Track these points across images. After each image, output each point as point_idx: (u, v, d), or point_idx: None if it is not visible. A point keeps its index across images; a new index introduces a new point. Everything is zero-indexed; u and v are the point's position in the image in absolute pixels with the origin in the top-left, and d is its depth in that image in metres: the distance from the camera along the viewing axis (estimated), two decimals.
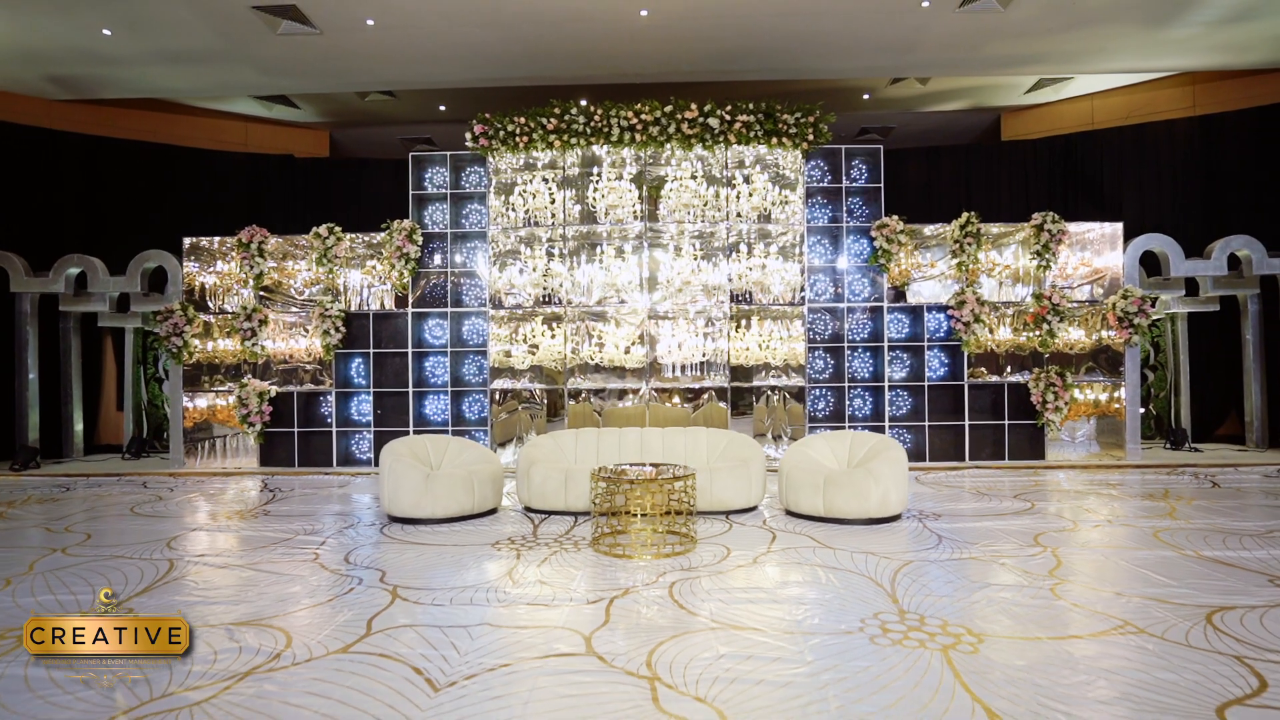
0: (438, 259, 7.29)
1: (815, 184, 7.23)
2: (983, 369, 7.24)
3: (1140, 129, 8.79)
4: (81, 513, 5.18)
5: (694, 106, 6.78)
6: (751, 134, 6.89)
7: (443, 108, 9.50)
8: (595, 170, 7.16)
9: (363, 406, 7.20)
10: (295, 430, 7.13)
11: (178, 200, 8.92)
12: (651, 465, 4.48)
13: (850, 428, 6.99)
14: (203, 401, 7.44)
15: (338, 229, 7.08)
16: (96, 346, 8.61)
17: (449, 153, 7.35)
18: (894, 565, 3.58)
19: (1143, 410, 8.54)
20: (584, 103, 7.19)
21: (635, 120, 6.77)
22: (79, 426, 8.18)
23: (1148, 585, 3.20)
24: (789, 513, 4.83)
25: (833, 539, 4.14)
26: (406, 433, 6.88)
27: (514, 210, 7.21)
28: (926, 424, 7.07)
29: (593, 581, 3.40)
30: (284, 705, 2.15)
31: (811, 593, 3.20)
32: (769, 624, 2.80)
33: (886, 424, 7.02)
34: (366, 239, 7.29)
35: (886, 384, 7.08)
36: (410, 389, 7.12)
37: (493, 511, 5.00)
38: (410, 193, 7.30)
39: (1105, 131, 9.01)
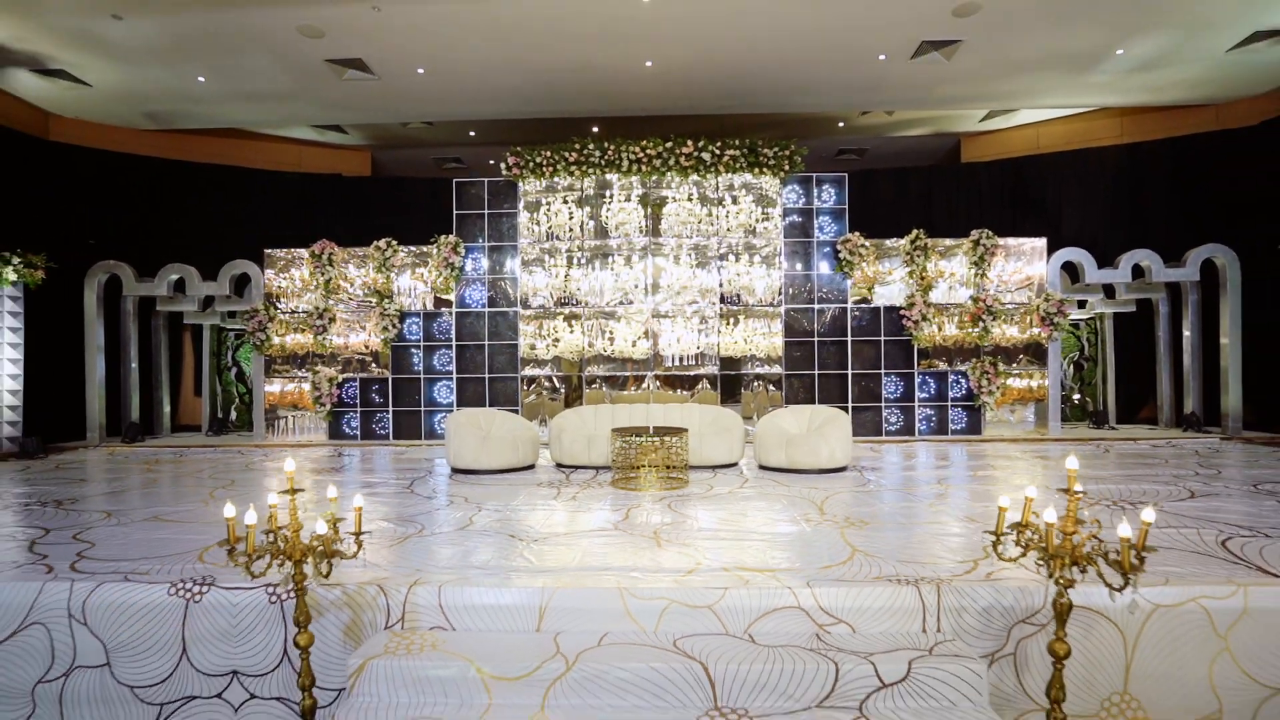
0: (476, 266, 8.79)
1: (791, 205, 8.73)
2: (931, 359, 8.73)
3: (1077, 154, 10.27)
4: (208, 469, 6.69)
5: (690, 143, 8.28)
6: (737, 164, 8.38)
7: (473, 133, 10.99)
8: (608, 193, 8.66)
9: (413, 390, 8.70)
10: (358, 410, 8.64)
11: (243, 215, 10.41)
12: (654, 429, 5.97)
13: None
14: (276, 386, 8.95)
15: (394, 242, 8.58)
16: (177, 341, 10.12)
17: (486, 180, 8.84)
18: (828, 494, 5.07)
19: (1078, 396, 10.05)
20: (596, 130, 8.70)
21: (641, 154, 8.27)
22: (166, 409, 9.70)
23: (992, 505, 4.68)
24: (761, 467, 6.32)
25: (790, 481, 5.63)
26: (451, 410, 8.39)
27: (539, 225, 8.71)
28: (882, 405, 8.56)
29: (614, 501, 4.90)
30: (437, 550, 3.64)
31: (765, 506, 4.69)
32: (733, 519, 4.29)
33: (850, 405, 8.52)
34: (415, 250, 8.79)
35: (850, 372, 8.58)
36: (454, 375, 8.63)
37: (531, 467, 6.50)
38: (454, 212, 8.80)
39: (1048, 156, 10.48)
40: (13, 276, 7.74)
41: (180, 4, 7.05)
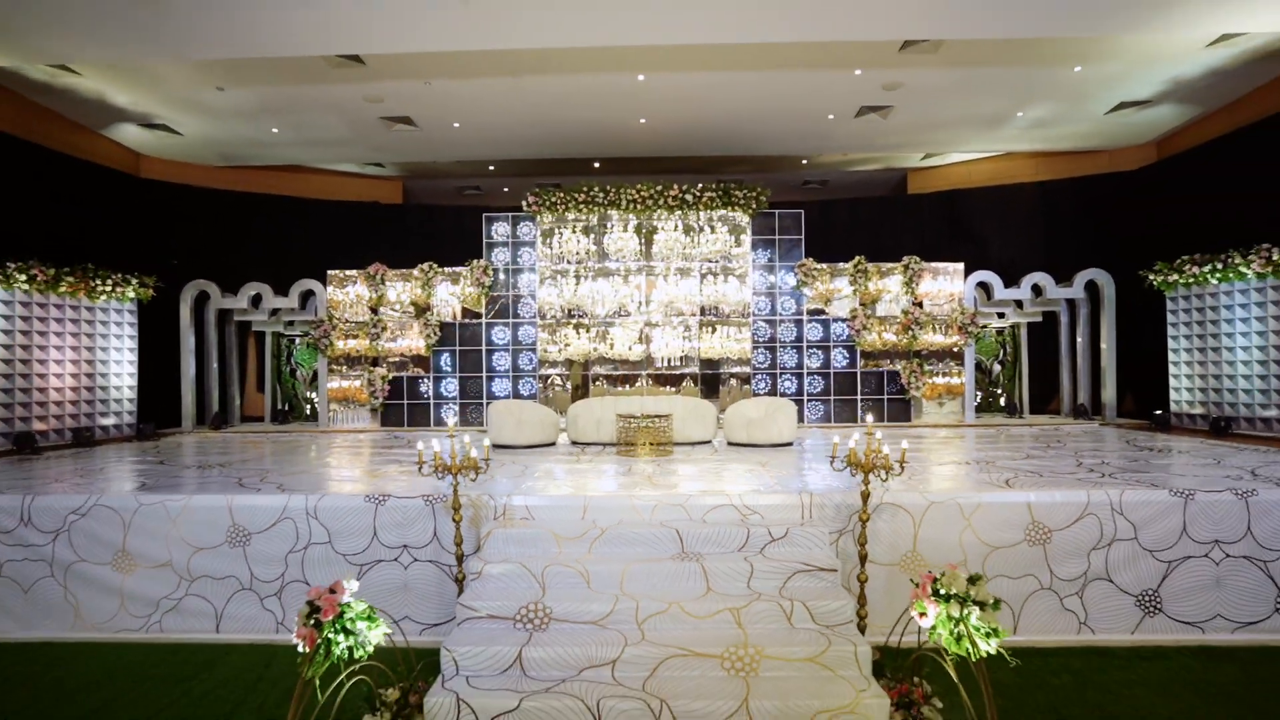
0: (501, 284, 10.81)
1: (758, 235, 10.82)
2: (872, 361, 10.85)
3: (1000, 189, 12.43)
4: (303, 446, 8.69)
5: (676, 186, 10.37)
6: (714, 203, 10.47)
7: (491, 168, 13.02)
8: (609, 224, 10.72)
9: (449, 386, 10.73)
10: (405, 403, 10.66)
11: (296, 237, 12.40)
12: (647, 414, 8.03)
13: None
14: (334, 383, 10.95)
15: (435, 265, 10.61)
16: (244, 345, 12.10)
17: (510, 214, 10.88)
18: (771, 458, 7.15)
19: (1000, 391, 12.20)
20: (598, 166, 10.73)
21: (636, 195, 10.34)
22: (238, 402, 11.68)
23: (917, 466, 6.76)
24: (729, 443, 8.38)
25: (748, 453, 7.70)
26: (482, 403, 10.42)
27: (552, 250, 10.76)
28: (832, 398, 10.67)
29: (619, 463, 6.96)
30: (511, 483, 5.68)
31: (725, 465, 6.76)
32: (701, 472, 6.36)
33: (805, 398, 10.62)
34: (449, 271, 10.81)
35: (805, 371, 10.68)
36: (484, 374, 10.67)
37: (553, 444, 8.54)
38: (483, 240, 10.84)
39: (978, 189, 12.63)
40: (132, 294, 9.71)
41: (273, 80, 9.07)
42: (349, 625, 2.82)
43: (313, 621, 2.77)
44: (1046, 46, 8.35)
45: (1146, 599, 4.69)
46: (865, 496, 4.34)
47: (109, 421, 9.66)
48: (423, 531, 4.85)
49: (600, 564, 4.32)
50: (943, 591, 3.04)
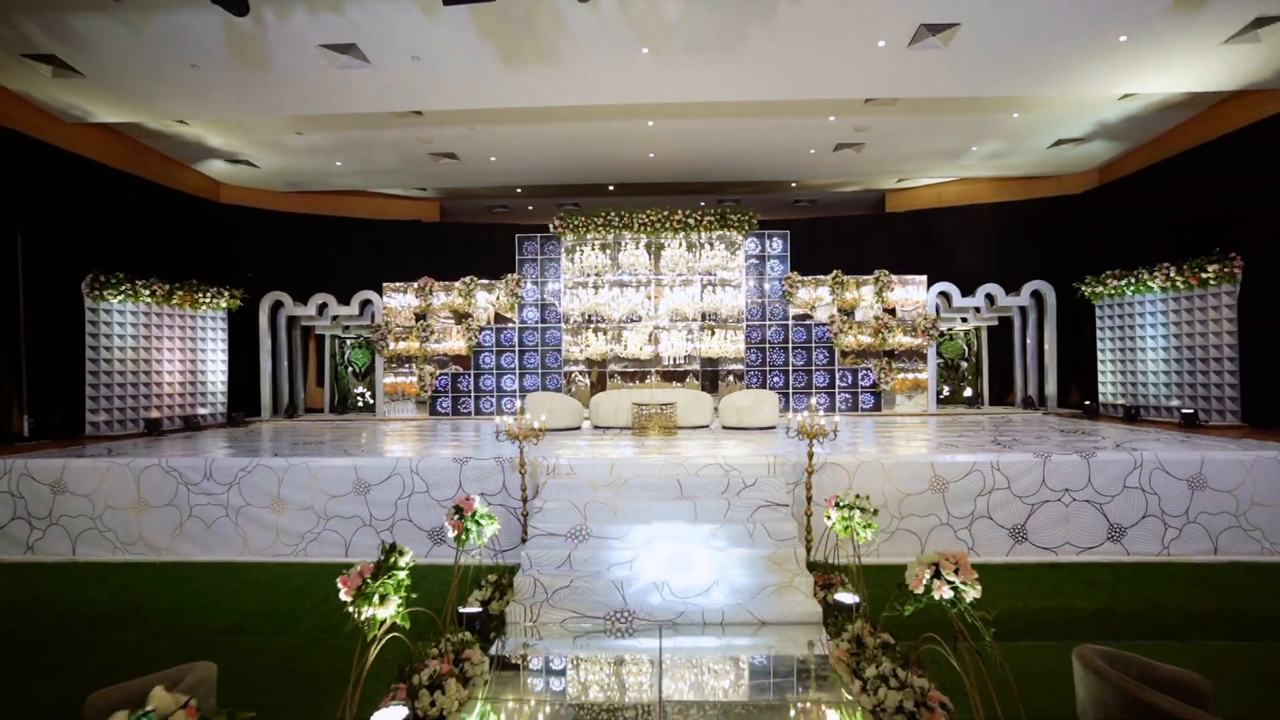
0: (532, 293, 12.75)
1: (751, 251, 12.71)
2: (849, 359, 12.71)
3: (965, 208, 14.26)
4: (369, 431, 10.63)
5: (680, 211, 12.28)
6: (712, 225, 12.37)
7: (519, 190, 14.95)
8: (623, 242, 12.63)
9: (487, 381, 12.67)
10: (449, 395, 12.62)
11: (350, 252, 14.37)
12: (656, 404, 9.94)
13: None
14: (388, 379, 12.91)
15: (476, 279, 12.55)
16: (305, 346, 14.08)
17: (539, 236, 12.81)
18: (756, 436, 9.04)
19: (965, 385, 14.04)
20: (612, 189, 12.63)
21: (646, 219, 12.25)
22: (301, 395, 13.67)
23: (865, 442, 8.66)
24: (724, 427, 10.28)
25: (738, 433, 9.59)
26: (515, 395, 12.35)
27: (574, 264, 12.67)
28: (813, 391, 12.55)
29: (634, 441, 8.87)
30: (555, 451, 7.60)
31: (718, 441, 8.67)
32: (699, 447, 8.27)
33: (790, 392, 12.50)
34: (485, 282, 12.75)
35: (790, 368, 12.57)
36: (518, 371, 12.61)
37: (579, 428, 10.46)
38: (516, 257, 12.78)
39: (946, 208, 14.47)
40: (224, 304, 11.70)
41: (343, 127, 11.04)
42: (478, 519, 4.71)
43: (458, 515, 4.66)
44: (987, 99, 10.19)
45: (1016, 531, 6.57)
46: (810, 456, 6.23)
47: (206, 411, 11.65)
48: (495, 483, 6.78)
49: (624, 501, 6.25)
50: (840, 503, 4.93)
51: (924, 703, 3.57)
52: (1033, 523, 6.60)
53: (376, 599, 3.25)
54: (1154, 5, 7.61)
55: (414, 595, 3.61)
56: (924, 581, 3.24)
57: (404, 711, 3.55)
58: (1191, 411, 9.66)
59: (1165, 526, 6.56)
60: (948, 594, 3.17)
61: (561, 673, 4.46)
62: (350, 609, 3.21)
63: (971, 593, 3.16)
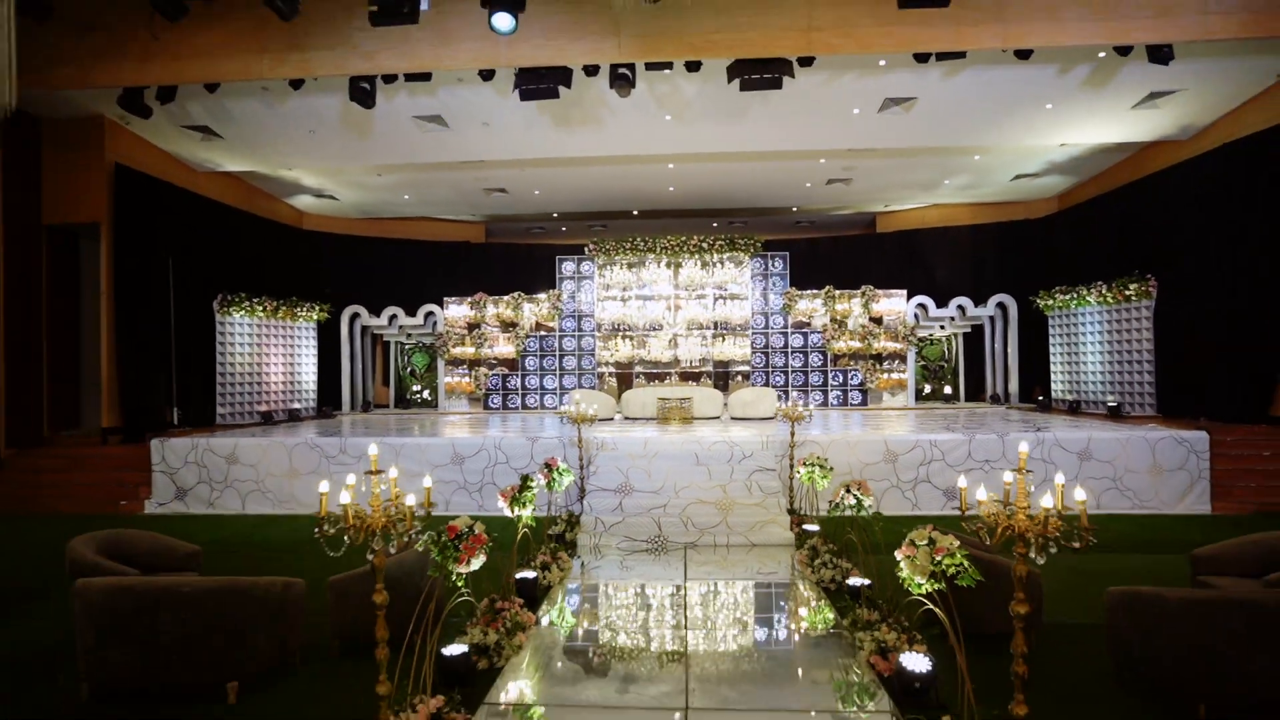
0: (570, 305, 15.15)
1: (756, 270, 15.04)
2: (840, 362, 14.98)
3: (944, 229, 16.48)
4: (440, 420, 13.05)
5: (695, 237, 14.63)
6: (723, 247, 14.71)
7: (555, 215, 17.36)
8: (647, 261, 15.00)
9: (532, 380, 15.08)
10: (502, 393, 15.05)
11: (410, 269, 16.83)
12: (676, 399, 12.30)
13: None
14: (447, 379, 15.35)
15: (523, 294, 14.97)
16: (373, 350, 16.56)
17: (576, 258, 15.22)
18: (757, 424, 11.37)
19: (946, 384, 16.26)
20: (636, 213, 15.01)
21: (667, 243, 14.63)
22: (371, 393, 16.17)
23: (848, 427, 10.96)
24: (732, 418, 12.61)
25: (743, 422, 11.91)
26: (557, 393, 14.74)
27: (605, 278, 15.05)
28: (808, 387, 14.84)
29: (658, 427, 11.23)
30: (601, 434, 9.98)
31: (729, 428, 11.00)
32: (715, 432, 10.61)
33: (789, 389, 14.80)
34: (532, 296, 15.16)
35: (789, 369, 14.87)
36: (558, 372, 15.02)
37: (612, 419, 12.83)
38: (556, 275, 15.19)
39: (927, 229, 16.69)
40: (315, 316, 14.20)
41: (416, 170, 13.49)
42: (560, 472, 7.06)
43: (548, 469, 7.01)
44: (949, 147, 12.44)
45: (948, 492, 8.86)
46: (792, 434, 8.56)
47: (300, 405, 14.16)
48: (558, 456, 9.16)
49: (655, 466, 8.62)
50: (807, 463, 7.25)
51: (845, 576, 5.90)
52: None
53: (524, 503, 5.62)
54: (1069, 84, 9.85)
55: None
56: (840, 495, 5.58)
57: (535, 574, 5.93)
58: (1117, 404, 11.86)
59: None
60: (851, 501, 5.50)
61: (618, 572, 6.82)
62: (510, 511, 5.59)
63: (866, 500, 5.48)
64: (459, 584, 4.22)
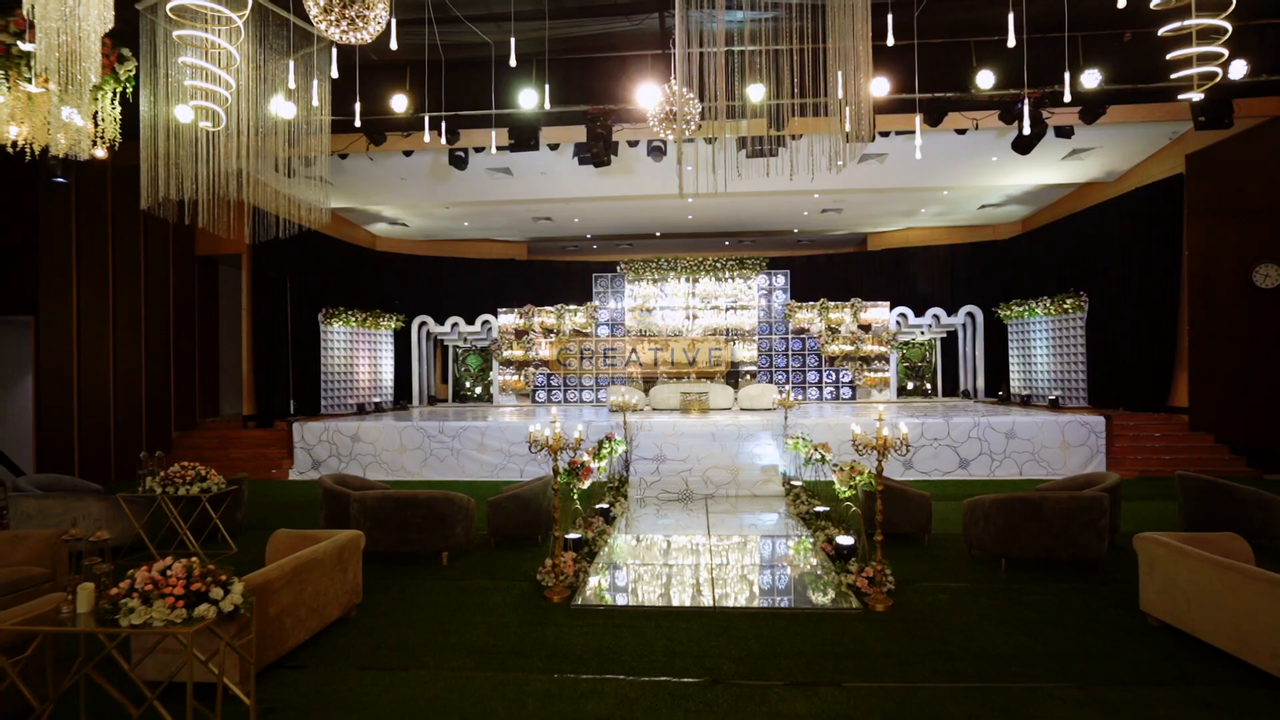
0: (603, 314, 18.13)
1: (762, 285, 17.97)
2: (833, 363, 17.87)
3: (926, 248, 19.33)
4: (497, 412, 16.08)
5: (710, 256, 17.61)
6: (733, 266, 17.66)
7: (589, 236, 20.35)
8: (669, 277, 17.97)
9: (571, 379, 18.08)
10: (548, 389, 18.07)
11: (465, 283, 19.87)
12: (695, 393, 15.25)
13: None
14: (501, 376, 18.37)
15: (566, 306, 17.98)
16: (434, 352, 19.63)
17: (609, 274, 18.23)
18: (761, 414, 14.30)
19: (927, 384, 19.12)
20: (659, 235, 18.00)
21: (687, 262, 17.61)
22: (434, 389, 19.24)
23: (830, 414, 13.87)
24: (741, 409, 15.55)
25: (749, 412, 14.84)
26: (591, 390, 17.73)
27: (635, 289, 18.02)
28: (806, 385, 17.75)
29: (680, 415, 14.19)
30: (635, 421, 12.96)
31: (738, 416, 13.94)
32: (727, 419, 13.56)
33: (789, 385, 17.71)
34: (572, 307, 18.16)
35: (788, 369, 17.80)
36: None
37: (642, 409, 15.79)
38: (592, 289, 18.20)
39: (912, 248, 19.54)
40: (393, 325, 17.26)
41: (481, 204, 16.53)
42: (615, 443, 9.98)
43: (606, 440, 9.95)
44: (921, 186, 15.29)
45: (906, 463, 11.76)
46: (785, 419, 11.50)
47: (380, 399, 17.22)
48: (602, 432, 12.15)
49: (681, 442, 11.59)
50: (794, 437, 10.18)
51: (812, 507, 8.83)
52: (916, 459, 11.79)
53: (604, 456, 8.58)
54: (1006, 143, 12.72)
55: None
56: (810, 453, 8.52)
57: (607, 506, 8.91)
58: (1055, 397, 14.71)
59: (991, 460, 11.72)
60: (818, 458, 8.45)
61: (656, 514, 9.78)
62: (594, 463, 8.55)
63: (828, 455, 8.42)
64: (575, 499, 7.20)
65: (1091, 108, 10.33)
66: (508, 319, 18.29)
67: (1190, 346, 12.52)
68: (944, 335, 18.46)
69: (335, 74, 7.10)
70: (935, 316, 17.84)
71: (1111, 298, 13.99)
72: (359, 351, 16.61)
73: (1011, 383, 16.84)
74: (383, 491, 7.24)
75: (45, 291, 11.48)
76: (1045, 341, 15.58)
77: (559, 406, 17.54)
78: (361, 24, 4.33)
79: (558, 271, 20.41)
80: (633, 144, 11.76)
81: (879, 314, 17.79)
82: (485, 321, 18.48)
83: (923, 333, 18.45)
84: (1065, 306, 14.75)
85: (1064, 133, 11.16)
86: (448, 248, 20.16)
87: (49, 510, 7.18)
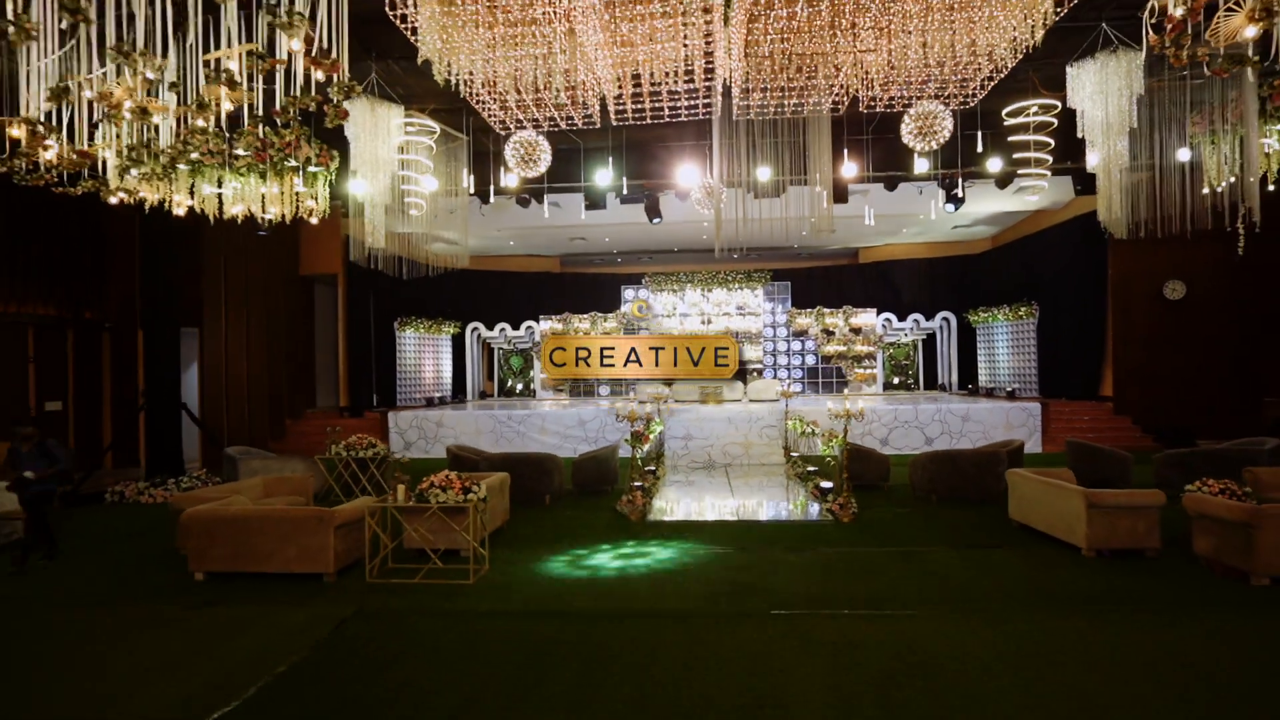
0: (630, 320, 21.35)
1: (766, 294, 21.19)
2: (828, 361, 21.05)
3: (909, 261, 22.51)
4: (540, 405, 19.29)
5: (722, 270, 20.84)
6: (741, 278, 20.87)
7: (615, 251, 23.54)
8: (688, 286, 21.19)
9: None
10: (582, 383, 21.29)
11: (506, 294, 23.06)
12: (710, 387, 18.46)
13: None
14: (542, 374, 21.59)
15: (598, 314, 21.20)
16: (481, 353, 22.85)
17: (636, 287, 21.46)
18: (769, 403, 17.51)
19: (911, 379, 22.30)
20: (677, 250, 21.22)
21: (702, 275, 20.84)
22: (482, 386, 22.48)
23: (824, 403, 17.06)
24: (749, 400, 18.73)
25: (757, 402, 18.03)
26: (622, 385, 20.94)
27: (657, 299, 21.22)
28: (805, 380, 20.95)
29: (699, 405, 17.40)
30: (664, 406, 16.17)
31: (748, 405, 17.13)
32: (738, 407, 16.77)
33: (790, 381, 20.90)
34: (605, 314, 21.37)
35: (789, 366, 21.00)
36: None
37: (667, 400, 18.99)
38: (620, 299, 21.43)
39: (897, 260, 22.71)
40: (452, 330, 20.48)
41: (528, 227, 19.75)
42: (655, 424, 13.15)
43: (646, 421, 13.12)
44: (898, 212, 18.46)
45: (882, 442, 14.95)
46: (785, 406, 14.70)
47: (441, 394, 20.44)
48: (641, 421, 15.37)
49: (704, 425, 14.81)
50: (794, 420, 13.36)
51: (806, 468, 12.03)
52: (890, 436, 14.98)
53: (652, 430, 11.76)
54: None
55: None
56: (803, 429, 11.74)
57: (653, 468, 12.12)
58: (1012, 389, 17.90)
59: (951, 438, 14.92)
60: (810, 431, 11.65)
61: (686, 478, 12.96)
62: (648, 431, 11.75)
63: (817, 429, 11.63)
64: (638, 459, 10.42)
65: (999, 181, 13.61)
66: (547, 324, 21.50)
67: (1114, 347, 15.70)
68: (924, 337, 21.64)
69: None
70: (916, 320, 21.03)
71: (1055, 307, 17.18)
72: (425, 354, 19.82)
73: (980, 377, 20.03)
74: (504, 454, 10.48)
75: (207, 311, 14.67)
76: (1006, 342, 18.76)
77: (593, 399, 20.74)
78: (534, 165, 7.54)
79: (587, 282, 23.63)
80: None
81: (868, 318, 20.98)
82: (529, 327, 21.70)
83: (906, 335, 21.61)
84: (1020, 313, 17.94)
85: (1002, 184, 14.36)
86: (490, 262, 23.37)
87: (270, 467, 10.41)
